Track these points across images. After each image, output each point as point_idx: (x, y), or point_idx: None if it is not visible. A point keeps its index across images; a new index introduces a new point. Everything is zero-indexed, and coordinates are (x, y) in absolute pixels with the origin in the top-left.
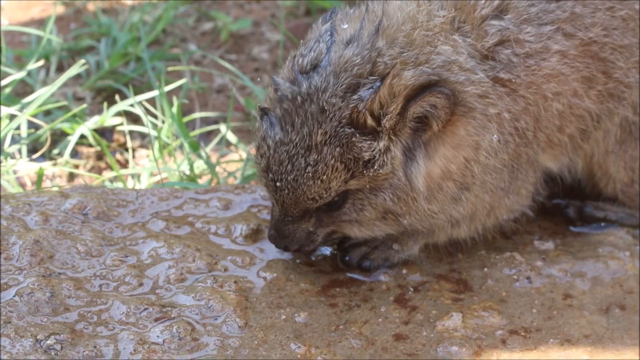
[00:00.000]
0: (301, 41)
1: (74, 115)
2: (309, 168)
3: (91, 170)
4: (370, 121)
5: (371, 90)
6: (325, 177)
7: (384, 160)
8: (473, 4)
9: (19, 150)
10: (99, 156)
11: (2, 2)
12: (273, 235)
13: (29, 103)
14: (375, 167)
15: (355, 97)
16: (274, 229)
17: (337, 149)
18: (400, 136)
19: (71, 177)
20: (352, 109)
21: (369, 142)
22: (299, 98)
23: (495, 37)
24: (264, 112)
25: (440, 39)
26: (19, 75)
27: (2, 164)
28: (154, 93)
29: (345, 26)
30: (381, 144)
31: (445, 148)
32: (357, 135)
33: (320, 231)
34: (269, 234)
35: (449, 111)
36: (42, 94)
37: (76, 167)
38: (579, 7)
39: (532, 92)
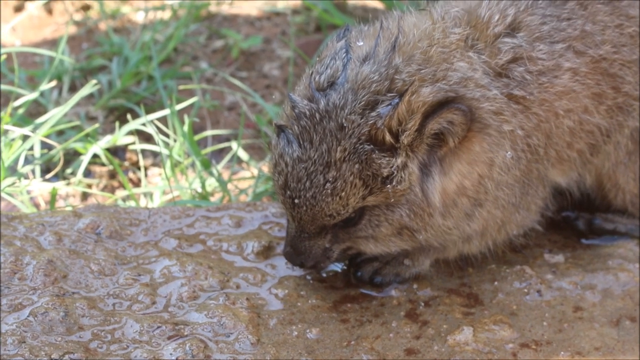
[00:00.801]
0: (317, 58)
1: (87, 135)
2: (328, 185)
3: (104, 189)
4: (388, 138)
5: (389, 107)
6: (343, 193)
7: (401, 177)
8: (486, 22)
9: (33, 171)
10: (112, 175)
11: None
12: (289, 252)
13: (42, 124)
14: (394, 184)
15: (373, 114)
16: (290, 246)
17: (356, 166)
18: (417, 152)
19: (84, 196)
20: (370, 126)
21: (387, 159)
22: (317, 115)
23: (509, 55)
24: (280, 129)
25: (456, 56)
26: (32, 96)
27: (16, 185)
28: (166, 112)
29: (361, 43)
30: (399, 161)
31: (461, 164)
32: (377, 151)
33: (336, 247)
34: (284, 251)
35: (465, 127)
36: (54, 114)
37: (89, 186)
38: (589, 25)
39: (545, 109)
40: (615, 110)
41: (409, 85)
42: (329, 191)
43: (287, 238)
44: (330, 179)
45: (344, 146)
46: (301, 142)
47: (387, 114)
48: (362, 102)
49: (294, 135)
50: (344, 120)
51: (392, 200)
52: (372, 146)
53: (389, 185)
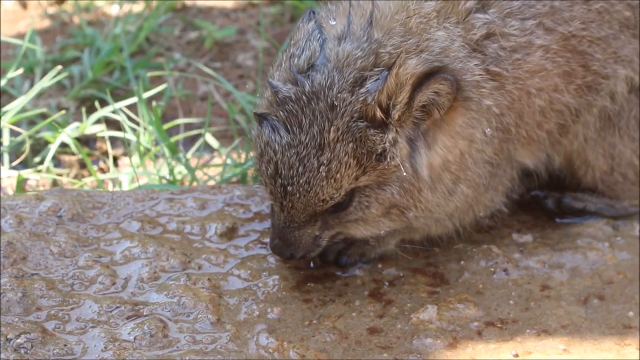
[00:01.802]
0: (291, 42)
1: (56, 123)
2: (322, 167)
3: (75, 178)
4: (379, 113)
5: (378, 81)
6: (338, 175)
7: (393, 153)
8: None
9: (1, 160)
10: (82, 165)
11: None
12: (278, 244)
13: (7, 112)
14: (388, 160)
15: (363, 90)
16: (279, 238)
17: (350, 145)
18: (404, 127)
19: (54, 185)
20: (362, 103)
21: (380, 135)
22: (304, 97)
23: (482, 30)
24: (262, 117)
25: (434, 26)
26: None
27: None
28: (135, 99)
29: (333, 22)
30: (390, 136)
31: (445, 137)
32: (370, 128)
33: (326, 234)
34: (272, 244)
35: (451, 97)
36: (20, 102)
37: (59, 175)
38: (558, 0)
39: (518, 87)
40: (584, 90)
41: (396, 57)
42: (323, 174)
43: (273, 230)
44: (325, 161)
45: (336, 126)
46: (289, 127)
47: (376, 89)
48: (350, 80)
49: (279, 122)
50: (334, 100)
51: (383, 178)
52: (365, 123)
53: (383, 162)
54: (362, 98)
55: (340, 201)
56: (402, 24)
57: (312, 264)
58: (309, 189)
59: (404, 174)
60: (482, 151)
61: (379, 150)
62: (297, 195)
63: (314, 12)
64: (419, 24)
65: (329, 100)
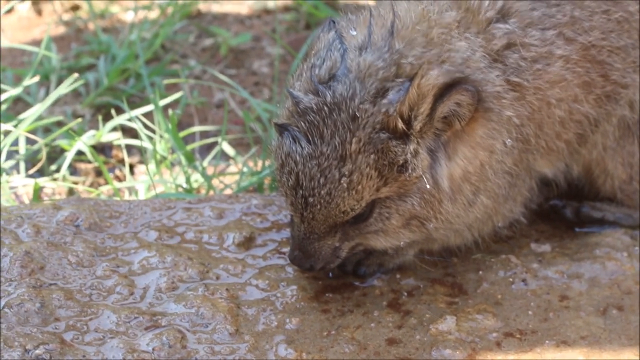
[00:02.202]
0: (311, 52)
1: (72, 131)
2: (344, 179)
3: (91, 186)
4: (400, 124)
5: (400, 92)
6: (360, 187)
7: (415, 164)
8: (477, 6)
9: (17, 168)
10: (98, 172)
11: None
12: (298, 256)
13: (24, 119)
14: (409, 171)
15: (385, 101)
16: (299, 249)
17: (372, 156)
18: (425, 138)
19: (71, 193)
20: (384, 114)
21: (402, 146)
22: (325, 108)
23: (503, 40)
24: (283, 128)
25: (455, 36)
26: (15, 91)
27: None
28: (151, 107)
29: (354, 32)
30: (411, 147)
31: (465, 148)
32: (392, 140)
33: (345, 245)
34: (292, 256)
35: (472, 108)
36: (36, 109)
37: (75, 184)
38: (578, 10)
39: (539, 98)
40: (604, 99)
41: (418, 68)
42: (345, 185)
43: (293, 242)
44: (346, 173)
45: (358, 137)
46: (310, 138)
47: (398, 100)
48: (372, 91)
49: (301, 132)
50: (356, 111)
51: (404, 189)
52: (387, 134)
53: (405, 173)
54: (384, 109)
55: (360, 212)
56: (423, 34)
57: (330, 274)
58: (330, 201)
59: (426, 185)
60: (502, 162)
61: (401, 162)
62: (318, 206)
63: (334, 22)
64: (440, 34)
65: (350, 111)
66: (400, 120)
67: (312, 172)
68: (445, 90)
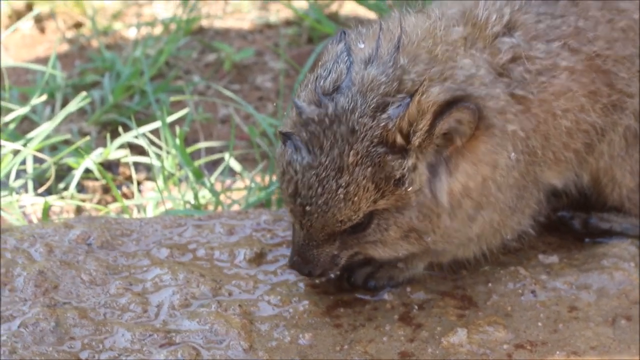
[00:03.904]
0: (318, 62)
1: (79, 149)
2: (341, 190)
3: (98, 204)
4: (399, 139)
5: (400, 108)
6: (356, 198)
7: (412, 178)
8: (484, 22)
9: (25, 187)
10: (105, 190)
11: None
12: (297, 261)
13: (32, 139)
14: (406, 186)
15: (384, 116)
16: (298, 255)
17: (369, 169)
18: (425, 153)
19: (78, 211)
20: (382, 128)
21: (399, 161)
22: (326, 120)
23: (509, 54)
24: (286, 137)
25: (460, 53)
26: (23, 110)
27: (7, 199)
28: (157, 124)
29: (362, 45)
30: (410, 162)
31: (467, 164)
32: (390, 154)
33: (344, 254)
34: (292, 261)
35: (473, 126)
36: (45, 128)
37: (83, 201)
38: (582, 21)
39: (544, 110)
40: (610, 109)
41: (419, 85)
42: (341, 196)
43: (293, 247)
44: (343, 184)
45: (356, 150)
46: (310, 148)
47: (397, 116)
48: (373, 105)
49: (302, 142)
50: (355, 124)
51: (402, 202)
52: (385, 148)
53: (401, 187)
54: (383, 123)
55: (358, 222)
56: (428, 50)
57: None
58: (327, 210)
59: (424, 199)
60: (507, 176)
61: (397, 176)
62: (316, 215)
63: (344, 33)
64: (445, 51)
65: (350, 124)
66: (399, 135)
67: (311, 182)
68: (446, 107)
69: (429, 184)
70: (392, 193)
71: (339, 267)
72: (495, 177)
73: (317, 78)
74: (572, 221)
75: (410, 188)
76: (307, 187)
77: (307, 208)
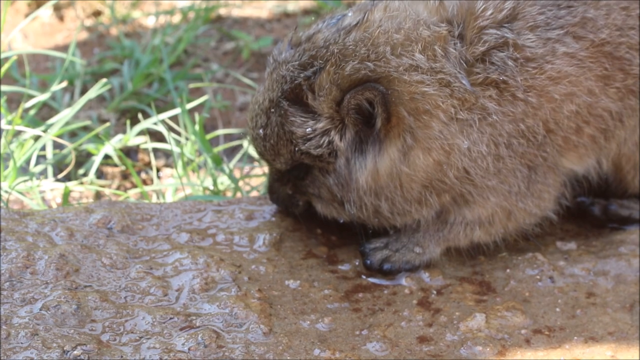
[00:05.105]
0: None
1: (98, 135)
2: (261, 130)
3: (117, 190)
4: (310, 100)
5: (315, 71)
6: (272, 141)
7: (319, 142)
8: (478, 15)
9: (45, 172)
10: (124, 176)
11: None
12: (268, 188)
13: (52, 124)
14: (308, 145)
15: (302, 74)
16: (269, 183)
17: (279, 118)
18: (347, 125)
19: (98, 197)
20: (294, 84)
21: (303, 119)
22: (273, 64)
23: (490, 44)
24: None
25: (417, 48)
26: (43, 97)
27: (28, 184)
28: (177, 111)
29: (350, 14)
30: (319, 125)
31: (396, 147)
32: (293, 109)
33: (299, 197)
34: (267, 186)
35: (385, 109)
36: (65, 115)
37: (102, 187)
38: (592, 11)
39: (535, 94)
40: (625, 93)
41: (331, 56)
42: (261, 135)
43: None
44: (262, 125)
45: (270, 97)
46: (261, 86)
47: (310, 77)
48: (301, 62)
49: (264, 79)
50: (280, 74)
51: (322, 165)
52: (288, 102)
53: (305, 145)
54: (297, 81)
55: (295, 170)
56: (372, 33)
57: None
58: (257, 144)
59: (339, 170)
60: (481, 161)
61: (299, 133)
62: (257, 148)
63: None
64: (390, 38)
65: (279, 72)
66: (310, 95)
67: (253, 114)
68: (357, 84)
69: (346, 156)
70: (307, 152)
71: (299, 210)
72: (450, 162)
73: (302, 30)
74: (591, 207)
75: (315, 151)
76: (250, 117)
77: (251, 134)
